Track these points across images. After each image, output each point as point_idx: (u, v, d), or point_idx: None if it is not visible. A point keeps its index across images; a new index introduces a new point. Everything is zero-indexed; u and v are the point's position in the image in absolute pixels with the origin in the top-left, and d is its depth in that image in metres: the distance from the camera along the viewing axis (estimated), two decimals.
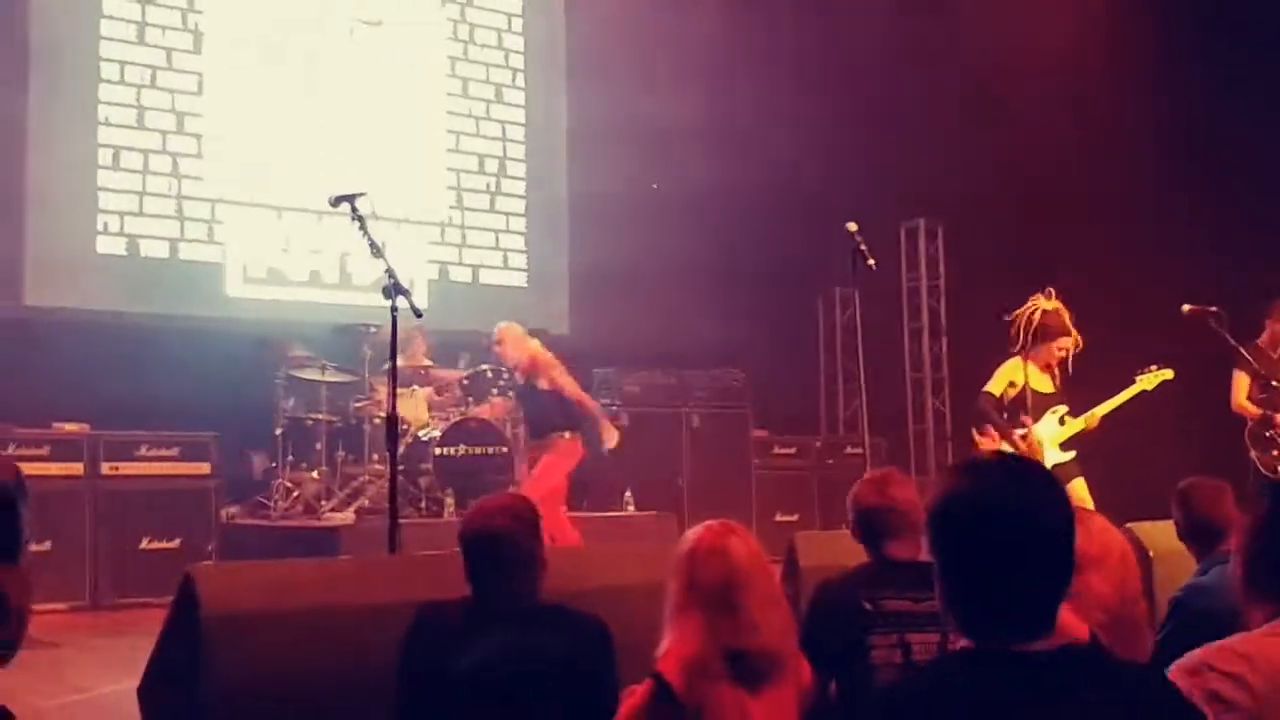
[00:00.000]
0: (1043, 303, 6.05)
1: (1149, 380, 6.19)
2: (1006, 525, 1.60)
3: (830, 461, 9.74)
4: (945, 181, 9.95)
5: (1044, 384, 6.03)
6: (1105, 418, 6.00)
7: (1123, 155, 9.31)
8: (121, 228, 7.96)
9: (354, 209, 4.78)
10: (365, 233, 4.74)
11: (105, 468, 6.74)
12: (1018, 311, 6.07)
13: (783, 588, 3.09)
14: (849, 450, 9.44)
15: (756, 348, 9.69)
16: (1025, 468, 1.73)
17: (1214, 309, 6.21)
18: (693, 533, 2.62)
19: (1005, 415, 6.08)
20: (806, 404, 11.08)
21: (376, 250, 4.71)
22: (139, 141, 8.05)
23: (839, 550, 3.47)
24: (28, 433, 6.67)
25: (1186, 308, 6.24)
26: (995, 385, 6.10)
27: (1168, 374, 6.21)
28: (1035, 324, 6.01)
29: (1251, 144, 8.43)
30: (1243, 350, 6.46)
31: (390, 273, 4.66)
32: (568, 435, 6.90)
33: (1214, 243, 8.49)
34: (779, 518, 9.25)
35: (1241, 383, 6.67)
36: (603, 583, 3.57)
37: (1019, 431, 5.96)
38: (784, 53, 10.30)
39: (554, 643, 2.63)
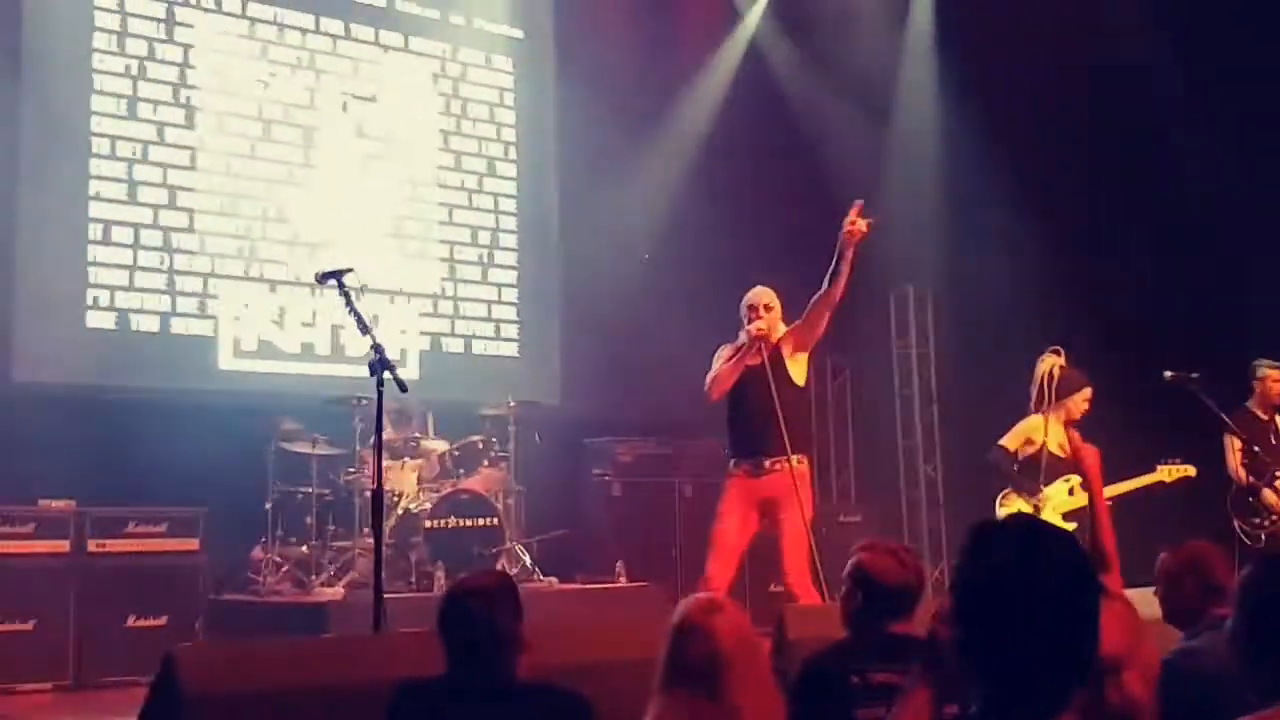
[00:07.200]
0: (1057, 359, 6.01)
1: (1169, 473, 6.12)
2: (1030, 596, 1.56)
3: (824, 530, 9.64)
4: (935, 249, 9.99)
5: (1061, 447, 5.90)
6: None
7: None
8: (112, 302, 7.94)
9: (341, 285, 4.79)
10: (352, 308, 4.74)
11: (92, 545, 6.64)
12: (1037, 370, 6.03)
13: (772, 663, 3.04)
14: (842, 519, 9.35)
15: None
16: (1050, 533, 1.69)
17: (1194, 375, 6.16)
18: (681, 606, 2.56)
19: (1019, 472, 6.02)
20: None
21: (363, 326, 4.72)
22: (130, 216, 8.05)
23: (831, 623, 3.42)
24: (13, 510, 6.55)
25: (1168, 374, 6.19)
26: (1011, 440, 6.05)
27: (1190, 470, 6.15)
28: (1056, 378, 5.95)
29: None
30: (1225, 417, 6.43)
31: (376, 348, 4.65)
32: None
33: (1191, 309, 8.56)
34: (773, 588, 9.13)
35: (1234, 447, 6.66)
36: (591, 658, 3.53)
37: (1034, 499, 5.86)
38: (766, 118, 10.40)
39: None
